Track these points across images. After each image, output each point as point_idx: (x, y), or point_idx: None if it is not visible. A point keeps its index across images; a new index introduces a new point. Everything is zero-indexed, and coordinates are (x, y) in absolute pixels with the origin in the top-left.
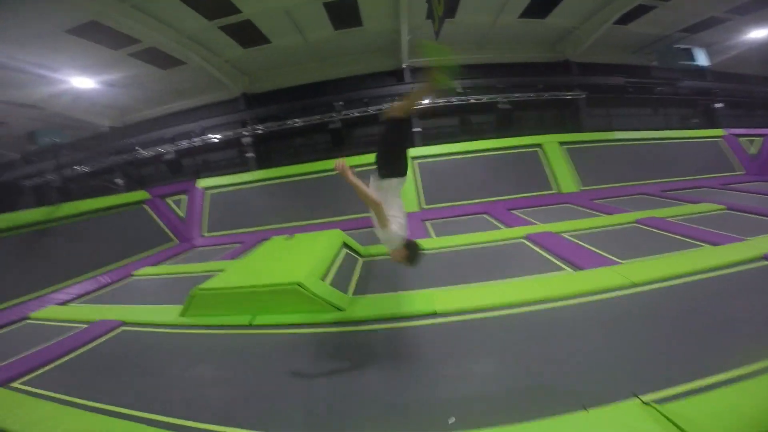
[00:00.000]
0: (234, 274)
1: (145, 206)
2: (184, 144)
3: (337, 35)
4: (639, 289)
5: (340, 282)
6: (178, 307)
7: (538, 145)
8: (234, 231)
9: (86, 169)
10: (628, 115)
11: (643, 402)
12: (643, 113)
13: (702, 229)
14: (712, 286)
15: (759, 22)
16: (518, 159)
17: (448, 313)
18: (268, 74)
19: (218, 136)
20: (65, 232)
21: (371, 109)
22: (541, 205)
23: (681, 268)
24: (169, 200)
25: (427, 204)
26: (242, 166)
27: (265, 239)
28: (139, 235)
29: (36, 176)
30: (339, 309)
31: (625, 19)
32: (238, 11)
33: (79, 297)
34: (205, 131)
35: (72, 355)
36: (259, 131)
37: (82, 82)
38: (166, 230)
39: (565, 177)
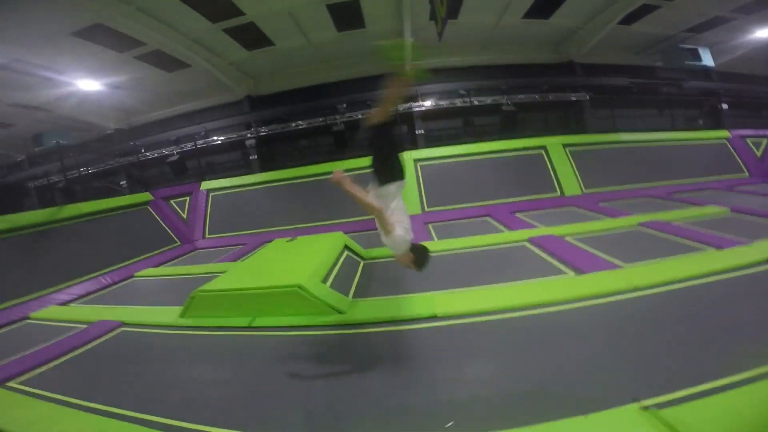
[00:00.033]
0: (235, 275)
1: (148, 208)
2: (189, 146)
3: (341, 37)
4: (641, 293)
5: (341, 284)
6: (178, 309)
7: (542, 147)
8: (236, 233)
9: (91, 170)
10: (633, 116)
11: (642, 407)
12: (648, 114)
13: (707, 232)
14: (716, 290)
15: (764, 21)
16: (522, 161)
17: (449, 317)
18: (272, 76)
19: (222, 138)
20: (68, 233)
21: None
22: (544, 208)
23: (684, 271)
24: (173, 202)
25: (429, 206)
26: (246, 168)
27: (268, 241)
28: (141, 237)
29: (41, 178)
30: (339, 311)
31: (630, 19)
32: (241, 13)
33: (80, 297)
34: (209, 133)
35: (70, 356)
36: (263, 133)
37: (88, 85)
38: (169, 232)
39: (569, 179)
